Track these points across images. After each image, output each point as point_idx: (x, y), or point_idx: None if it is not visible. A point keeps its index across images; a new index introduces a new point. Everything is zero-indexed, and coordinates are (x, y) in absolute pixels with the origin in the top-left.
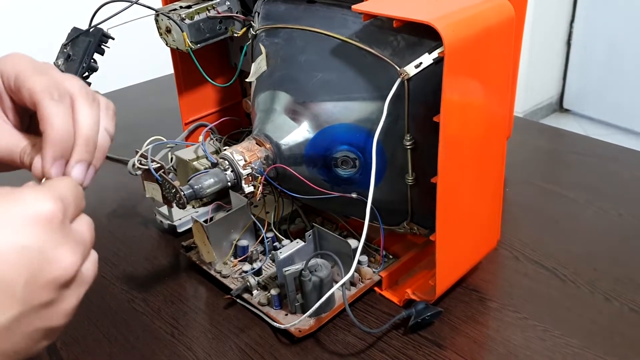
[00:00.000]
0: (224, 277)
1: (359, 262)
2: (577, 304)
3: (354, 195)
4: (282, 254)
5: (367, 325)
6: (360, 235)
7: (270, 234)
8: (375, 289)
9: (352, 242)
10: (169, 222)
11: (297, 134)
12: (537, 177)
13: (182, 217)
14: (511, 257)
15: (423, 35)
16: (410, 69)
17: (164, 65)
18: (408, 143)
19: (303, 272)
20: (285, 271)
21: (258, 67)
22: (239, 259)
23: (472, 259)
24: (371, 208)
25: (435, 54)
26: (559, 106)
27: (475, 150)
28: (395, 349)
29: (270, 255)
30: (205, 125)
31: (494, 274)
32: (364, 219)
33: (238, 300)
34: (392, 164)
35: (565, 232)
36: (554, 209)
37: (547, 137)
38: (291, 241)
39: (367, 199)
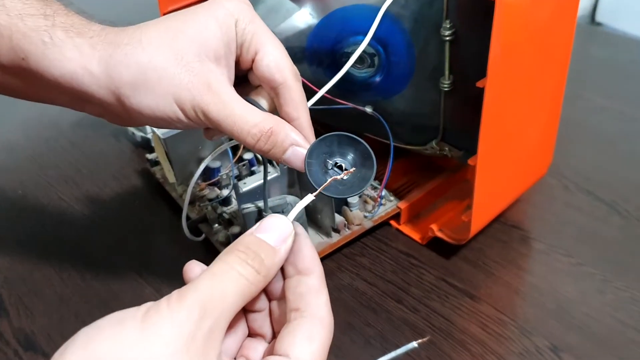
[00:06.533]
0: (189, 203)
1: (347, 204)
2: None
3: (368, 110)
4: (247, 185)
5: (380, 267)
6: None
7: (248, 156)
8: (392, 222)
9: None
10: (142, 134)
11: (296, 19)
12: (590, 91)
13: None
14: (560, 186)
15: None
16: None
17: None
18: (447, 33)
19: (264, 213)
20: (243, 209)
21: None
22: (208, 182)
23: (517, 189)
24: (385, 124)
25: None
26: (591, 19)
27: (538, 43)
28: (415, 299)
29: (231, 185)
30: None
31: (539, 208)
32: (381, 137)
33: (199, 238)
34: (422, 64)
35: (625, 156)
36: (611, 129)
37: (601, 43)
38: (274, 167)
39: (386, 111)
